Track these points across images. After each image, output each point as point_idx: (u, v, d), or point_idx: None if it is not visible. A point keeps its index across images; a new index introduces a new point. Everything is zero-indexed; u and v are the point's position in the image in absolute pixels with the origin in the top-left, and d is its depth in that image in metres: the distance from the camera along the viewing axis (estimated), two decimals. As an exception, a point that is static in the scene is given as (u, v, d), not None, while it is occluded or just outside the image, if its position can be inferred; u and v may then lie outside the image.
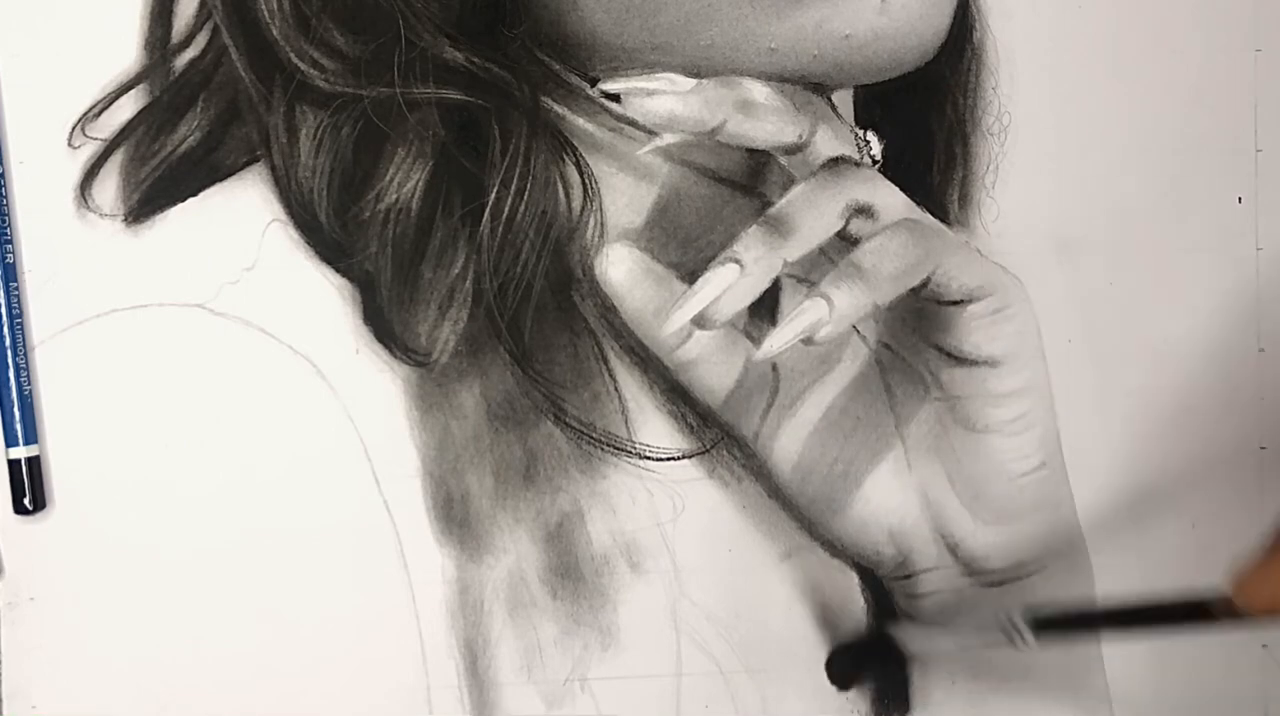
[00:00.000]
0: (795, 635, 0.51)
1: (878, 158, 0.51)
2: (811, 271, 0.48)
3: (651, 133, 0.47)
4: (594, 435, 0.50)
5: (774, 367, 0.49)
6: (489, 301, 0.49)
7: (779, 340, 0.44)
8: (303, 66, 0.48)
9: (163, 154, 0.49)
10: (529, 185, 0.49)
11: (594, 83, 0.48)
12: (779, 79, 0.48)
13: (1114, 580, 0.52)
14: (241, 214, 0.49)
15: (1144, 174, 0.53)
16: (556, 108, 0.50)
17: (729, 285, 0.45)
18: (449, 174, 0.49)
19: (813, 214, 0.45)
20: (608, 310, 0.50)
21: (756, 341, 0.48)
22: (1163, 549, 0.54)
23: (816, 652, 0.52)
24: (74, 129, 0.49)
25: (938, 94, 0.52)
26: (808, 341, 0.44)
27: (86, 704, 0.49)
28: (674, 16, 0.47)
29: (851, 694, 0.51)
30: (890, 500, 0.49)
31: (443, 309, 0.49)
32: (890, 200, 0.46)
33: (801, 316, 0.44)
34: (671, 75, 0.46)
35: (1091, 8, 0.53)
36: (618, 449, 0.51)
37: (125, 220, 0.49)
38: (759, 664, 0.51)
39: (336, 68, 0.48)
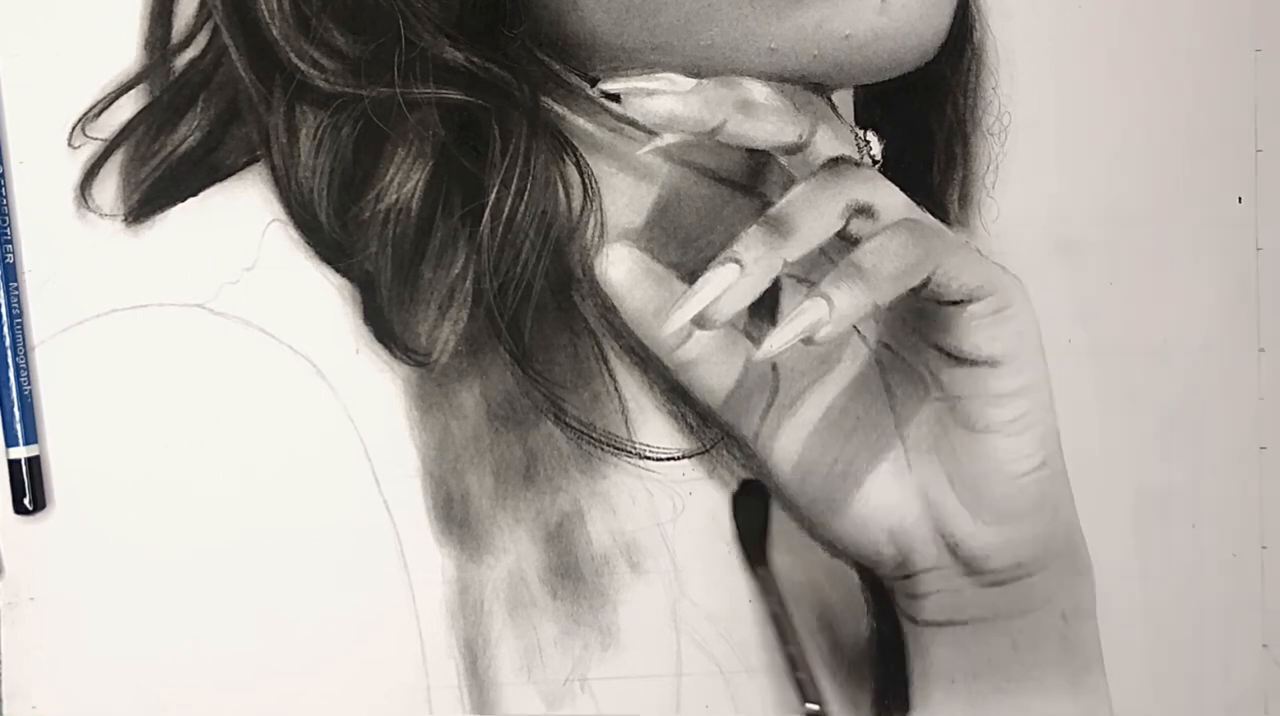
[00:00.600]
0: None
1: (878, 158, 0.51)
2: (811, 271, 0.48)
3: (651, 133, 0.47)
4: (594, 435, 0.50)
5: (774, 368, 0.49)
6: (489, 301, 0.49)
7: (779, 340, 0.44)
8: (303, 66, 0.48)
9: (163, 154, 0.49)
10: (529, 185, 0.49)
11: (594, 83, 0.48)
12: (779, 79, 0.48)
13: (1114, 580, 0.52)
14: (241, 214, 0.49)
15: (1144, 174, 0.53)
16: (556, 108, 0.50)
17: (729, 285, 0.45)
18: (449, 174, 0.49)
19: (813, 214, 0.45)
20: (608, 310, 0.50)
21: (756, 341, 0.48)
22: (1163, 549, 0.54)
23: (817, 653, 0.52)
24: (74, 129, 0.49)
25: (938, 94, 0.52)
26: (808, 341, 0.44)
27: (86, 704, 0.49)
28: (674, 16, 0.47)
29: (852, 694, 0.51)
30: (890, 500, 0.49)
31: (443, 309, 0.49)
32: (890, 200, 0.46)
33: (801, 316, 0.44)
34: (671, 75, 0.46)
35: (1091, 8, 0.53)
36: (618, 449, 0.51)
37: (125, 220, 0.49)
38: (759, 664, 0.51)
39: (336, 68, 0.48)
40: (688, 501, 0.51)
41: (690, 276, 0.47)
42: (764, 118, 0.47)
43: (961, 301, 0.47)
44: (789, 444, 0.49)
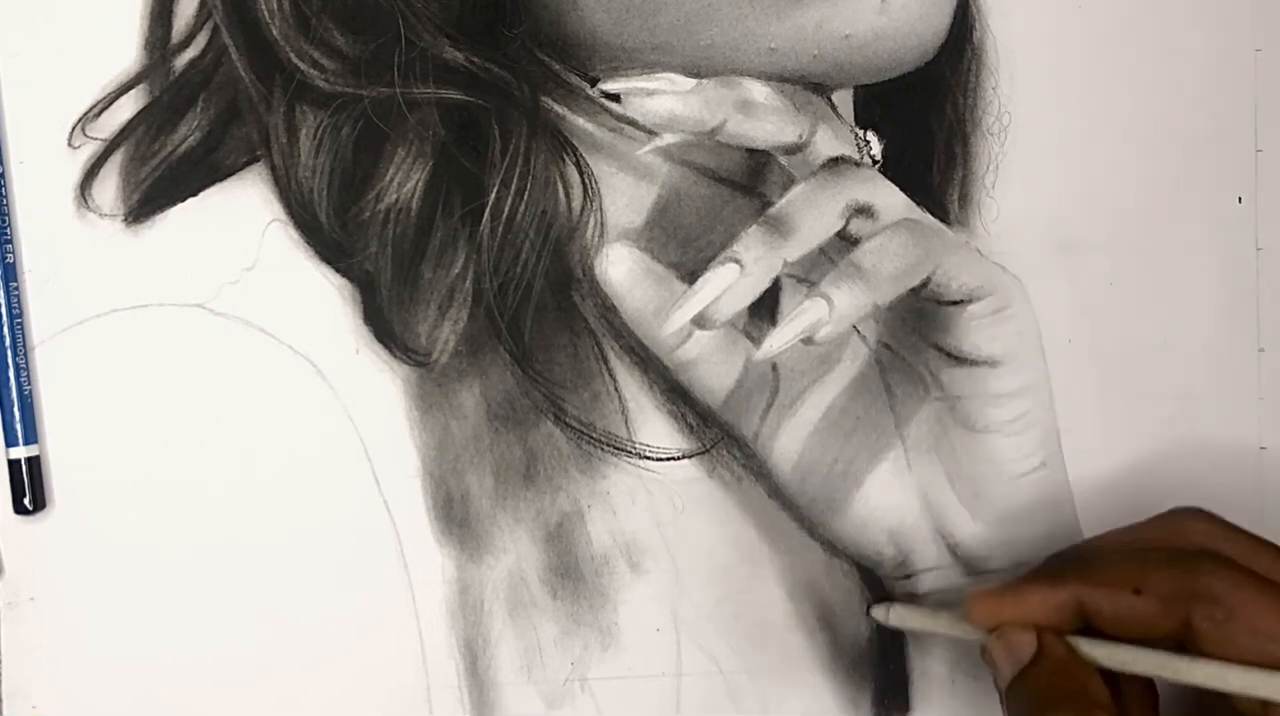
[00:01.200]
0: (795, 635, 0.51)
1: (878, 158, 0.51)
2: (811, 271, 0.48)
3: (651, 133, 0.47)
4: (594, 435, 0.50)
5: (774, 367, 0.49)
6: (489, 301, 0.49)
7: (779, 340, 0.44)
8: (303, 66, 0.48)
9: (163, 154, 0.49)
10: (529, 185, 0.49)
11: (594, 83, 0.48)
12: (779, 79, 0.48)
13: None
14: (241, 214, 0.49)
15: (1144, 174, 0.53)
16: (556, 108, 0.50)
17: (729, 285, 0.45)
18: (449, 174, 0.49)
19: (813, 214, 0.45)
20: (608, 310, 0.50)
21: (756, 341, 0.48)
22: (1163, 549, 0.54)
23: (817, 653, 0.52)
24: (74, 129, 0.49)
25: (938, 94, 0.52)
26: (808, 341, 0.44)
27: (86, 704, 0.49)
28: (674, 16, 0.47)
29: (852, 694, 0.51)
30: (890, 500, 0.49)
31: (443, 309, 0.49)
32: (890, 200, 0.46)
33: (801, 316, 0.44)
34: (671, 75, 0.46)
35: (1091, 8, 0.53)
36: (618, 449, 0.51)
37: (125, 220, 0.49)
38: (759, 664, 0.51)
39: (336, 68, 0.48)
40: (688, 501, 0.51)
41: (690, 276, 0.47)
42: (764, 118, 0.47)
43: (961, 301, 0.47)
44: (789, 444, 0.49)
